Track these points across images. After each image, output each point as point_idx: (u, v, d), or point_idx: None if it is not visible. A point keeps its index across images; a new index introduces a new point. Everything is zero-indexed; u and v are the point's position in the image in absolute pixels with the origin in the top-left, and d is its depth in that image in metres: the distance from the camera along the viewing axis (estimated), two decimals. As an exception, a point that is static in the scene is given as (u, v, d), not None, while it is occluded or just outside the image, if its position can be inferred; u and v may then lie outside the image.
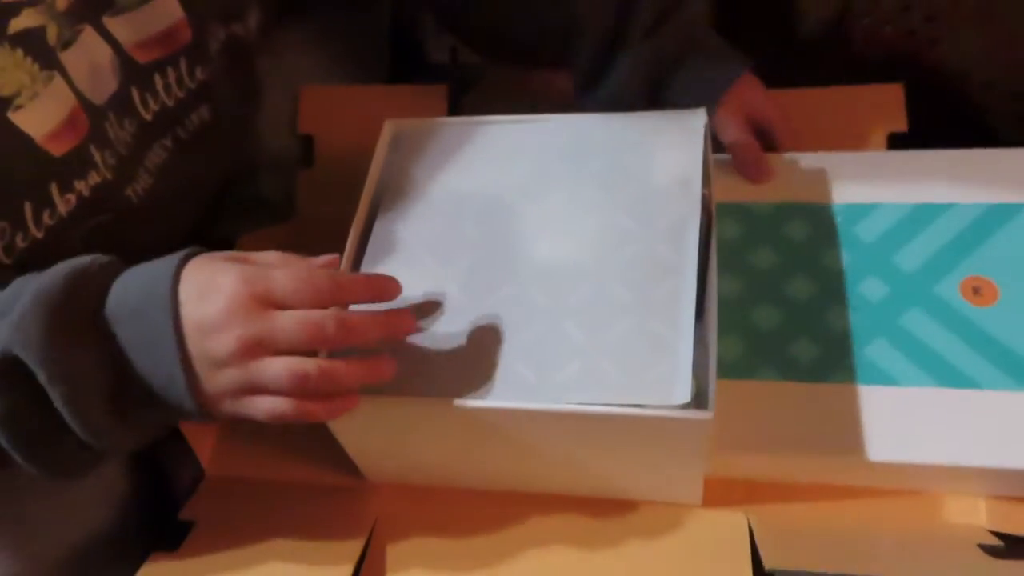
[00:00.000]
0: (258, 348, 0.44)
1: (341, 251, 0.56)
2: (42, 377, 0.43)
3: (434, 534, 0.57)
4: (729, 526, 0.54)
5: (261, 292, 0.45)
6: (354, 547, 0.56)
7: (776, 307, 0.59)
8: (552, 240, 0.55)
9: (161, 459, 0.67)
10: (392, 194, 0.60)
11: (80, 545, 0.61)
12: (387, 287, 0.49)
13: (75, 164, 0.52)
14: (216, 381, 0.45)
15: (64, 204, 0.52)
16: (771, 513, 0.55)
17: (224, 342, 0.44)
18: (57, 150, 0.51)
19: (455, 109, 0.79)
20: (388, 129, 0.62)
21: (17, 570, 0.58)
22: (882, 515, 0.54)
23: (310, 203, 0.77)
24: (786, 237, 0.62)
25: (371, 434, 0.55)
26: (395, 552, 0.56)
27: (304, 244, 0.75)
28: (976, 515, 0.54)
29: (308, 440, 0.61)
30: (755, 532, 0.53)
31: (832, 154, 0.65)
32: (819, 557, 0.50)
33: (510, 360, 0.51)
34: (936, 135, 0.71)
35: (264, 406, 0.46)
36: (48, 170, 0.51)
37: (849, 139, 0.70)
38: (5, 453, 0.46)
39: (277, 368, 0.45)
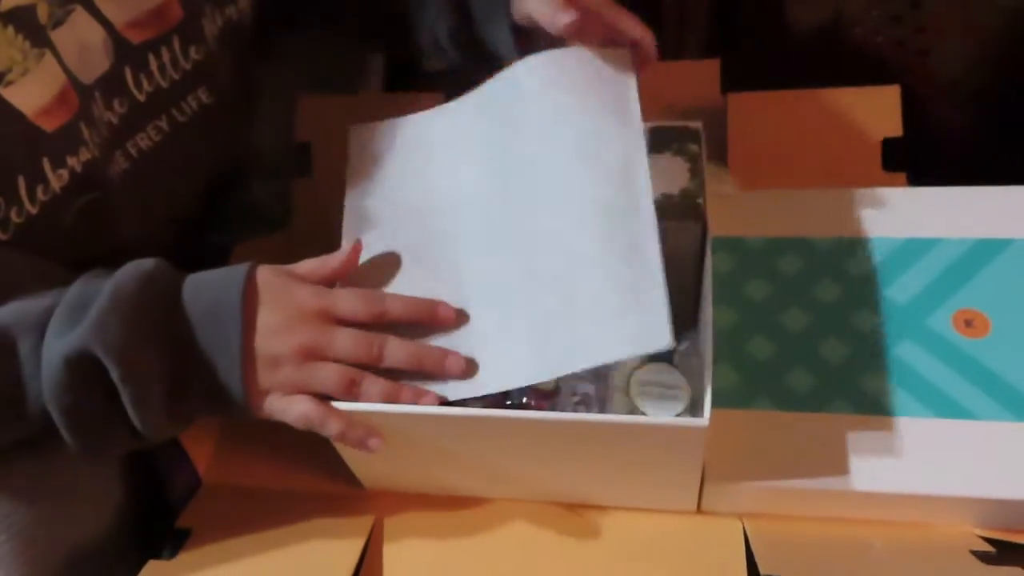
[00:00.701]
0: (314, 354, 0.50)
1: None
2: (115, 375, 0.47)
3: (431, 542, 0.57)
4: (725, 533, 0.55)
5: (327, 306, 0.51)
6: (351, 555, 0.56)
7: (770, 338, 0.60)
8: (509, 209, 0.55)
9: (156, 466, 0.67)
10: (360, 198, 0.60)
11: (76, 552, 0.61)
12: (435, 312, 0.53)
13: (66, 140, 0.53)
14: (270, 378, 0.50)
15: (57, 179, 0.53)
16: (766, 520, 0.55)
17: (287, 343, 0.50)
18: (49, 125, 0.52)
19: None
20: (353, 135, 0.63)
21: (14, 576, 0.58)
22: (876, 522, 0.55)
23: (306, 212, 0.77)
24: (779, 270, 0.63)
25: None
26: (392, 560, 0.57)
27: (299, 253, 0.76)
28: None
29: (305, 448, 0.61)
30: (750, 539, 0.54)
31: (823, 190, 0.67)
32: (814, 563, 0.50)
33: (501, 344, 0.52)
34: (926, 143, 0.72)
35: (301, 407, 0.50)
36: (40, 145, 0.52)
37: (843, 144, 0.71)
38: (50, 434, 0.49)
39: (329, 370, 0.50)
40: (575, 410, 0.56)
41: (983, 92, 0.90)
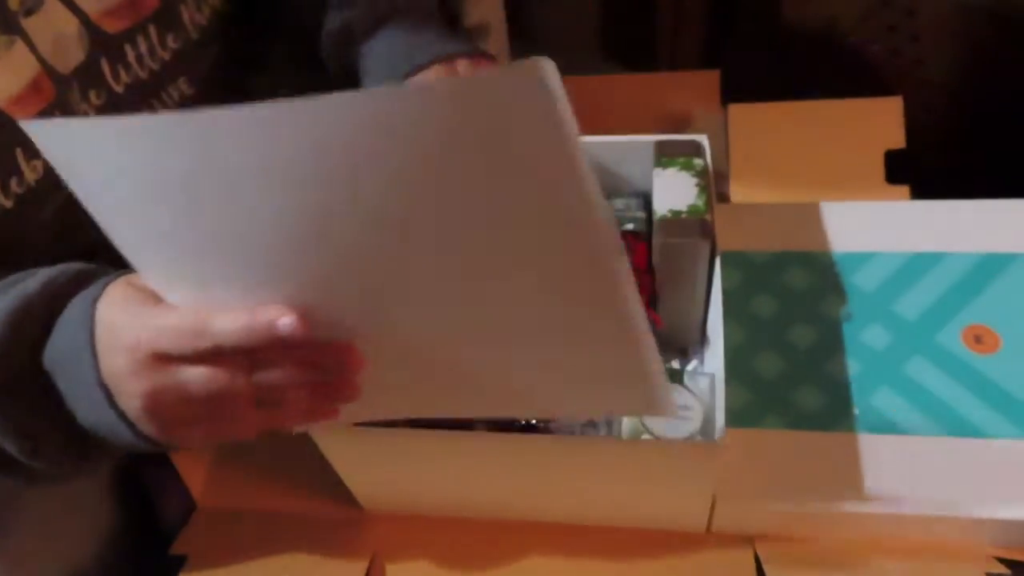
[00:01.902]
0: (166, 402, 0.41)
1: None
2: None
3: (435, 566, 0.56)
4: (735, 554, 0.54)
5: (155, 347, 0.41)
6: (353, 580, 0.54)
7: (779, 355, 0.59)
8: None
9: (147, 490, 0.65)
10: None
11: (67, 576, 0.59)
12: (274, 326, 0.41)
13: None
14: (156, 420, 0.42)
15: (31, 171, 0.51)
16: (777, 542, 0.55)
17: (137, 396, 0.41)
18: (21, 114, 0.50)
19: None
20: None
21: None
22: (889, 543, 0.54)
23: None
24: (786, 285, 0.63)
25: (370, 464, 0.54)
26: (395, 582, 0.55)
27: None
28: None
29: (303, 469, 0.60)
30: (762, 560, 0.53)
31: (828, 203, 0.66)
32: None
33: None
34: (926, 151, 0.72)
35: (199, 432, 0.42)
36: (13, 136, 0.50)
37: (846, 156, 0.70)
38: None
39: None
40: (583, 431, 0.55)
41: (978, 100, 0.90)
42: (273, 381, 0.40)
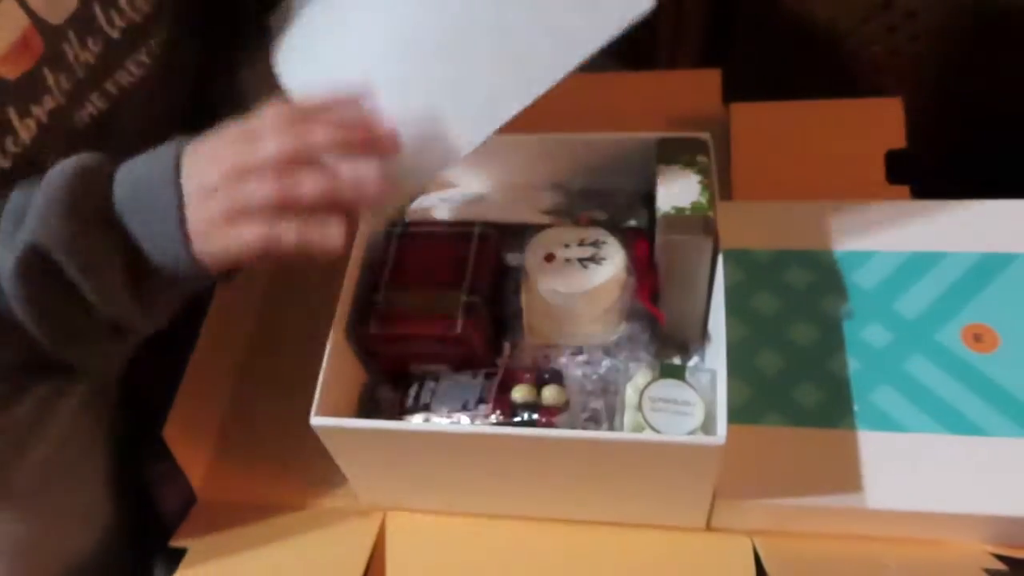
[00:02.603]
0: (245, 173, 0.46)
1: (340, 265, 0.55)
2: (71, 268, 0.45)
3: (436, 560, 0.56)
4: (735, 550, 0.55)
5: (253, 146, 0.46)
6: (353, 573, 0.54)
7: (779, 352, 0.60)
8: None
9: (147, 482, 0.65)
10: None
11: (67, 570, 0.59)
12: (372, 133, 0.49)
13: (29, 88, 0.51)
14: (204, 212, 0.46)
15: (25, 130, 0.51)
16: (777, 538, 0.55)
17: (216, 170, 0.46)
18: (11, 73, 0.50)
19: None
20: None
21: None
22: (887, 540, 0.54)
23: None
24: (787, 283, 0.63)
25: (371, 460, 0.54)
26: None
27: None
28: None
29: (304, 462, 0.60)
30: (762, 557, 0.53)
31: (829, 203, 0.66)
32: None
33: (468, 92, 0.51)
34: (929, 154, 0.72)
35: (247, 233, 0.46)
36: (5, 95, 0.50)
37: (847, 155, 0.71)
38: (39, 348, 0.48)
39: (260, 180, 0.45)
40: (585, 426, 0.55)
41: (977, 100, 0.91)
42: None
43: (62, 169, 0.47)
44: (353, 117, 0.48)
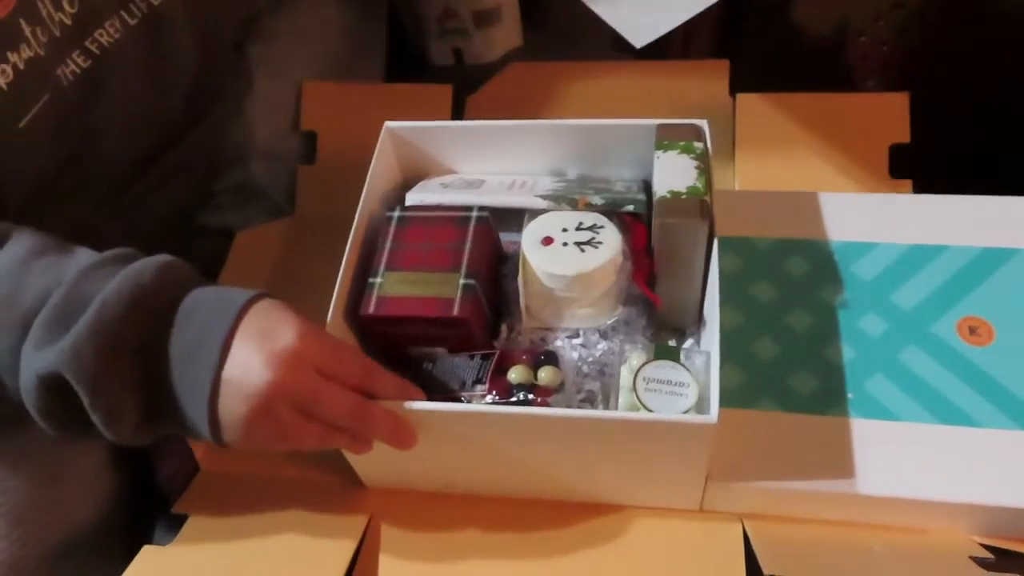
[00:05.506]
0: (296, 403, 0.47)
1: (340, 251, 0.56)
2: (86, 402, 0.45)
3: (428, 533, 0.57)
4: (725, 532, 0.55)
5: (316, 359, 0.47)
6: (348, 545, 0.55)
7: (775, 339, 0.60)
8: None
9: (148, 452, 0.66)
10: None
11: (67, 535, 0.60)
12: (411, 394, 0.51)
13: (4, 35, 0.52)
14: (246, 422, 0.46)
15: (1, 76, 0.52)
16: (767, 521, 0.55)
17: (264, 383, 0.45)
18: None
19: (459, 109, 0.79)
20: (386, 131, 0.62)
21: (3, 558, 0.57)
22: (876, 526, 0.55)
23: (310, 200, 0.76)
24: (785, 271, 0.63)
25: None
26: (389, 551, 0.56)
27: (303, 241, 0.76)
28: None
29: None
30: (752, 539, 0.54)
31: (830, 194, 0.67)
32: (815, 566, 0.50)
33: None
34: (933, 151, 0.72)
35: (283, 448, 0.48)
36: None
37: (850, 148, 0.71)
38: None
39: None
40: (580, 407, 0.56)
41: (990, 102, 0.90)
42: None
43: (126, 286, 0.46)
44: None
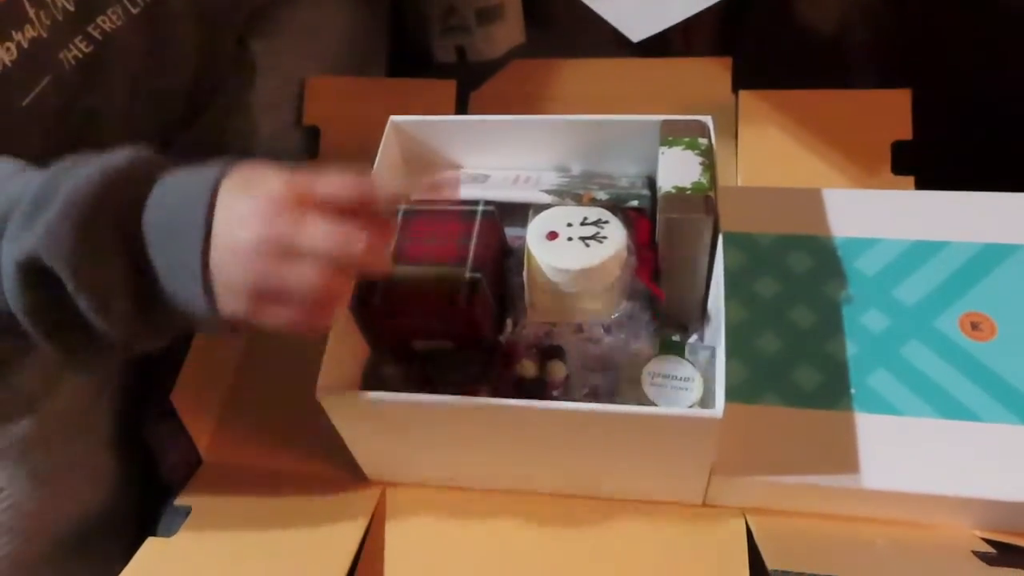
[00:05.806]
0: (282, 250, 0.43)
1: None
2: (69, 286, 0.42)
3: (434, 526, 0.57)
4: (728, 526, 0.55)
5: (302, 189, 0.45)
6: (352, 537, 0.55)
7: (779, 334, 0.60)
8: None
9: (152, 444, 0.66)
10: None
11: (71, 526, 0.61)
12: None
13: (9, 14, 0.52)
14: (235, 299, 0.44)
15: (5, 53, 0.52)
16: (771, 515, 0.56)
17: (251, 236, 0.43)
18: None
19: (462, 106, 0.79)
20: (391, 126, 0.62)
21: (7, 551, 0.57)
22: (878, 521, 0.55)
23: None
24: (789, 267, 0.64)
25: (374, 432, 0.55)
26: (393, 544, 0.56)
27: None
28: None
29: (308, 429, 0.61)
30: (755, 534, 0.54)
31: (833, 190, 0.67)
32: (819, 560, 0.51)
33: None
34: (935, 148, 0.73)
35: (281, 318, 0.44)
36: None
37: (853, 145, 0.71)
38: (28, 337, 0.45)
39: (303, 269, 0.43)
40: (584, 401, 0.56)
41: (991, 98, 0.91)
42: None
43: (96, 171, 0.43)
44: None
